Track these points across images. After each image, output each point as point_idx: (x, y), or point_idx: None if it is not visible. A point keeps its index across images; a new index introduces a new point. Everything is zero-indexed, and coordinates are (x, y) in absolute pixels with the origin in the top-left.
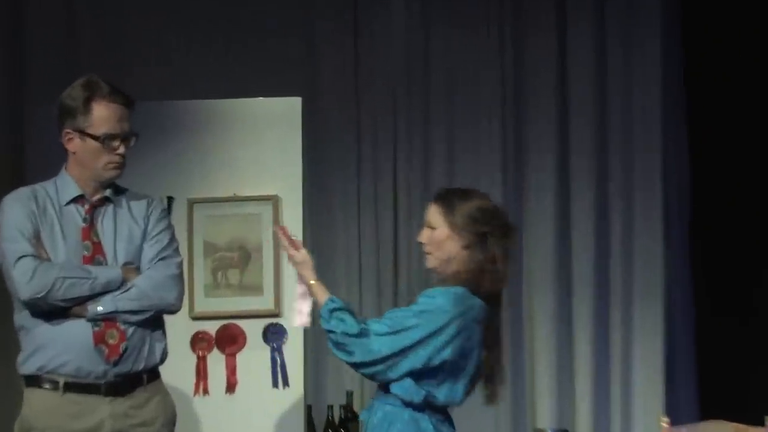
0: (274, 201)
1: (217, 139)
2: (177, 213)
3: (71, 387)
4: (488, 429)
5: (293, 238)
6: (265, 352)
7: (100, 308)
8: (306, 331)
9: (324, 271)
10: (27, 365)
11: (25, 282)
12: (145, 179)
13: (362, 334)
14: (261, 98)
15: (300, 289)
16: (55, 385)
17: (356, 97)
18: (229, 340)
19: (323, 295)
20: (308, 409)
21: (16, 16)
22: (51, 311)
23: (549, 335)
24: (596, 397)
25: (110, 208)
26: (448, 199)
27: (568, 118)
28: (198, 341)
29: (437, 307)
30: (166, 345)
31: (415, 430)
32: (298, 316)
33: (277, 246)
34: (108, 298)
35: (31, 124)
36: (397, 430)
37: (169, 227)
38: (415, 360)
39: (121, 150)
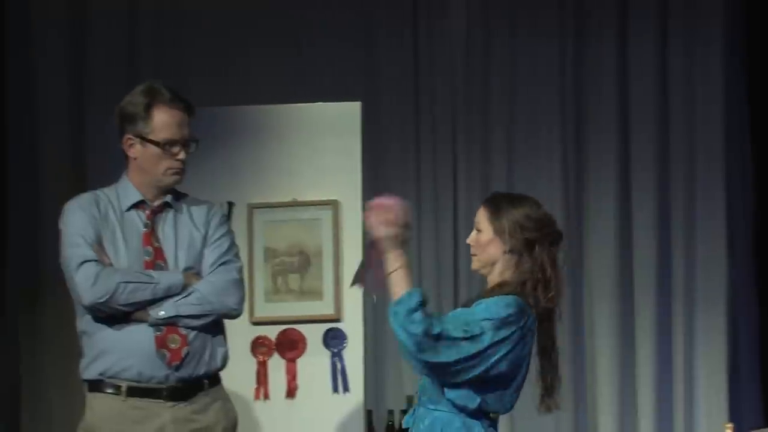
0: (334, 206)
1: (276, 145)
2: (237, 218)
3: (133, 392)
4: None
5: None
6: (326, 357)
7: (162, 313)
8: (366, 335)
9: None
10: (89, 370)
11: (88, 287)
12: (205, 185)
13: (434, 336)
14: (320, 103)
15: (378, 256)
16: (117, 389)
17: (416, 102)
18: (290, 345)
19: (404, 287)
20: (368, 415)
21: (79, 23)
22: (113, 316)
23: (610, 344)
24: (659, 404)
25: (171, 213)
26: (496, 203)
27: (629, 126)
28: (258, 346)
29: (502, 316)
30: (227, 350)
31: None
32: (368, 282)
33: (337, 251)
34: (170, 302)
35: (93, 131)
36: None
37: (230, 232)
38: (477, 368)
39: (182, 156)
